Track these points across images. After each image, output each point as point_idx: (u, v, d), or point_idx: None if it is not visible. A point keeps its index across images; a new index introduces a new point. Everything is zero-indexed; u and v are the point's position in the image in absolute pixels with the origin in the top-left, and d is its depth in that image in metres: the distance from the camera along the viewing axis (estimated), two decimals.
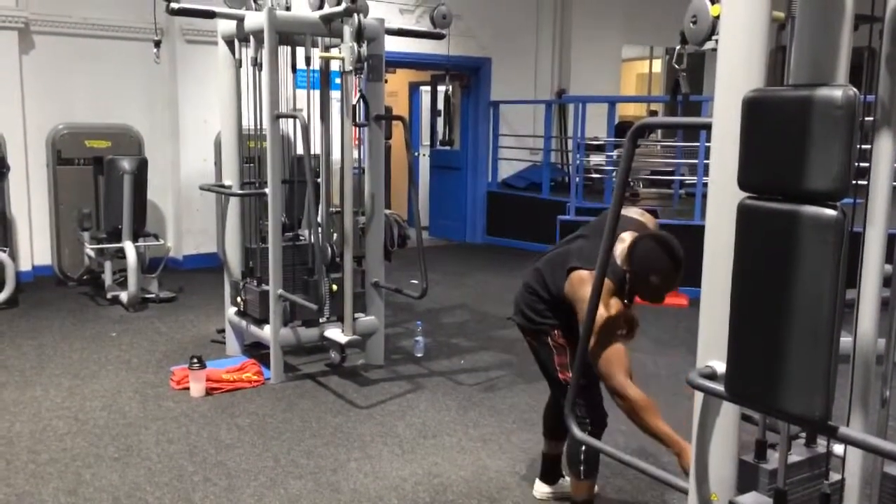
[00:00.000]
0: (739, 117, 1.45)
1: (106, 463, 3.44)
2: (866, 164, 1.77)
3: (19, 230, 6.84)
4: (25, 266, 6.86)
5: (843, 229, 1.30)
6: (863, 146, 1.55)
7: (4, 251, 6.03)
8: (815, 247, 1.31)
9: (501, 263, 8.14)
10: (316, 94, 4.82)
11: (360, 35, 4.06)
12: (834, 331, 1.32)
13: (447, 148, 9.66)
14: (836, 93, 1.30)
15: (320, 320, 4.54)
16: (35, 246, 6.95)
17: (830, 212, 1.31)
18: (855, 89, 1.31)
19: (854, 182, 1.39)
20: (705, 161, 6.81)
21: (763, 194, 1.41)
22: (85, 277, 6.62)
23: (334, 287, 4.47)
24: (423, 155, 10.41)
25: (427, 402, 4.22)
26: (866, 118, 1.74)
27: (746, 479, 1.83)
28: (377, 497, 3.18)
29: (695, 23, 1.88)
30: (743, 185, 1.44)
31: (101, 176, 6.67)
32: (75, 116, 6.96)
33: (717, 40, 1.74)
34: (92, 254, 6.26)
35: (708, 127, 1.71)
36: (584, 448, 2.82)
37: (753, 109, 1.42)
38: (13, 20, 6.61)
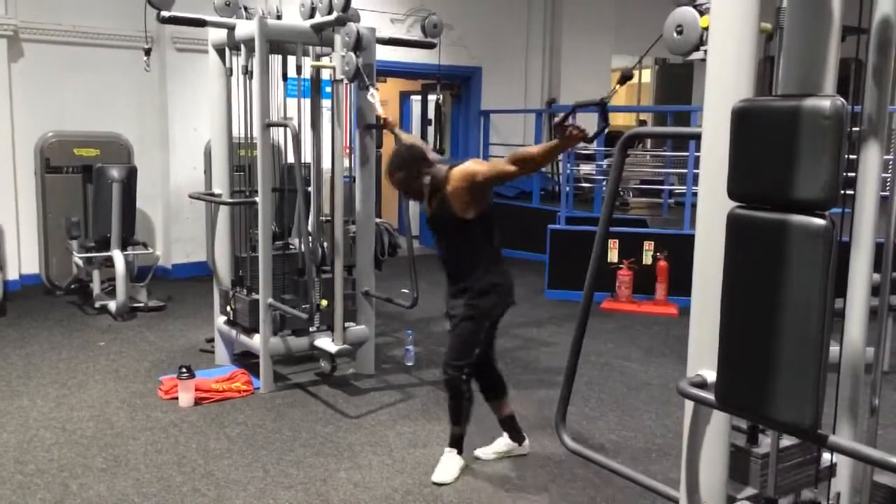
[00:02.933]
0: (728, 127, 1.46)
1: (94, 474, 3.41)
2: (853, 175, 1.78)
3: (7, 238, 6.80)
4: (13, 275, 6.81)
5: (832, 238, 1.31)
6: (850, 156, 1.56)
7: None
8: (804, 256, 1.32)
9: None
10: (306, 102, 4.82)
11: (358, 44, 4.07)
12: (823, 339, 1.32)
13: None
14: (825, 103, 1.32)
15: (310, 329, 4.53)
16: (23, 254, 6.90)
17: (819, 221, 1.32)
18: (843, 99, 1.32)
19: (842, 192, 1.40)
20: (695, 170, 6.84)
21: (752, 203, 1.42)
22: (73, 286, 6.58)
23: (324, 303, 4.45)
24: None
25: (417, 411, 4.20)
26: (853, 129, 1.76)
27: (738, 465, 1.82)
28: None
29: (680, 32, 1.89)
30: (732, 194, 1.45)
31: (89, 184, 6.64)
32: (64, 124, 6.93)
33: (705, 51, 1.75)
34: (80, 262, 6.23)
35: (697, 136, 1.73)
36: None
37: (742, 119, 1.43)
38: (2, 28, 6.59)
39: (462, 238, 3.29)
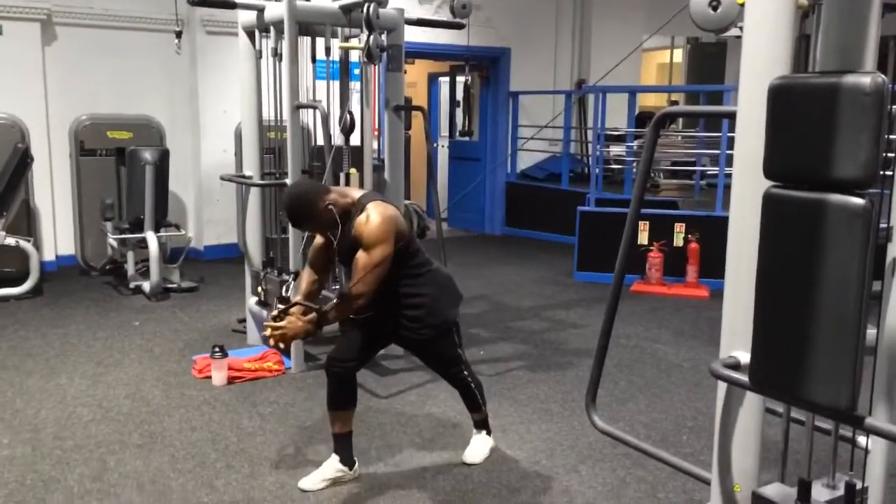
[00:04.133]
0: (765, 105, 1.44)
1: (130, 450, 3.49)
2: (892, 155, 1.74)
3: (43, 220, 6.92)
4: (49, 256, 6.95)
5: (871, 218, 1.29)
6: (888, 136, 1.53)
7: (29, 241, 6.11)
8: (842, 236, 1.30)
9: (520, 255, 8.12)
10: (335, 84, 4.83)
11: (369, 23, 4.05)
12: (861, 320, 1.31)
13: (466, 139, 9.63)
14: (865, 79, 1.29)
15: None
16: (58, 236, 7.03)
17: (858, 200, 1.30)
18: (883, 76, 1.30)
19: (881, 173, 1.37)
20: (727, 151, 6.74)
21: (789, 183, 1.39)
22: (108, 267, 6.69)
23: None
24: (442, 146, 10.40)
25: (447, 392, 4.21)
26: (892, 107, 1.72)
27: None
28: (398, 486, 3.20)
29: (716, 8, 1.86)
30: (769, 173, 1.43)
31: (123, 167, 6.73)
32: (97, 107, 7.02)
33: (741, 28, 1.72)
34: (115, 244, 6.33)
35: (732, 115, 1.70)
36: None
37: (780, 97, 1.41)
38: (36, 12, 6.67)
39: None
